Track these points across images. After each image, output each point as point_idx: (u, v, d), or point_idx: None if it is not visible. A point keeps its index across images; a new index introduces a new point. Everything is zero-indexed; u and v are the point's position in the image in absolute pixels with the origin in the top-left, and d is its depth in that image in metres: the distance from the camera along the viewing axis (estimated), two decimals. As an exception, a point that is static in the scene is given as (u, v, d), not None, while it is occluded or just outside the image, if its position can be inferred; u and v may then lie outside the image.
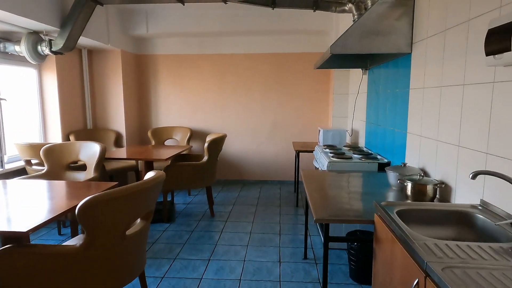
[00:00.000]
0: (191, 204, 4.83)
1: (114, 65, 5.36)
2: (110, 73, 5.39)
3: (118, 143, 5.47)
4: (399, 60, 3.00)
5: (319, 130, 4.64)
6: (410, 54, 2.72)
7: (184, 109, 5.97)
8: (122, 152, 4.19)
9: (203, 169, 4.08)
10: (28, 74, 4.45)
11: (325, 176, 2.83)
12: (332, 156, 3.38)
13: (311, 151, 4.49)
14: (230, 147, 5.98)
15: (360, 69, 4.25)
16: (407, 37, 2.69)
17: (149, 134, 5.60)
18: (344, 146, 4.16)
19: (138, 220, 2.18)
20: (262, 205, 4.79)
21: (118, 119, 5.47)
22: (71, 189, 2.50)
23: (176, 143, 5.78)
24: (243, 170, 6.02)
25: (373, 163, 3.20)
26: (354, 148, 3.97)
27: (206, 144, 4.03)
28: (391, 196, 2.22)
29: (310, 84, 5.72)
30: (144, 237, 2.12)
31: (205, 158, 4.09)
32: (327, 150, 3.85)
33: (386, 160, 3.22)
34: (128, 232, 1.96)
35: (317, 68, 4.05)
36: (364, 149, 3.95)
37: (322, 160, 3.56)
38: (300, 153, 4.70)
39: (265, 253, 3.28)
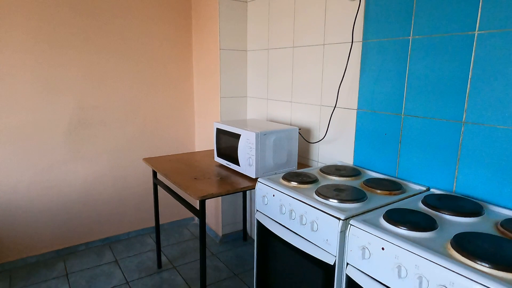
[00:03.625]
0: None
1: None
2: None
3: None
4: None
5: (240, 135, 1.92)
6: None
7: None
8: None
9: None
10: None
11: None
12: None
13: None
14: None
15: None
16: None
17: None
18: (321, 170, 1.73)
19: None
20: None
21: None
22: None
23: None
24: (5, 239, 2.39)
25: None
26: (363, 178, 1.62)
27: None
28: None
29: (159, 30, 2.72)
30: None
31: None
32: (349, 204, 1.32)
33: None
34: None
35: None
36: (388, 178, 1.69)
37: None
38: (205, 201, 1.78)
39: None
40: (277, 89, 2.38)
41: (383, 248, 1.08)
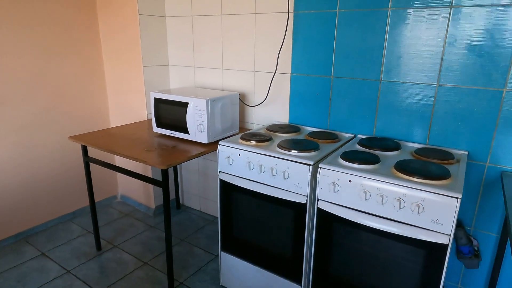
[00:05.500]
0: None
1: None
2: None
3: None
4: None
5: (188, 103, 1.93)
6: None
7: None
8: None
9: None
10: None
11: None
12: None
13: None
14: None
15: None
16: None
17: None
18: (267, 129, 1.94)
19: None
20: None
21: None
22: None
23: None
24: None
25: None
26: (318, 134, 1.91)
27: None
28: None
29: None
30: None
31: None
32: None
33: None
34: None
35: None
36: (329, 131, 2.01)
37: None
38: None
39: None
40: (205, 57, 2.43)
41: (350, 181, 1.39)
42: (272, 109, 2.21)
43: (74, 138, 2.03)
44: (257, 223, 1.74)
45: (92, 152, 2.60)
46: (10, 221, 2.37)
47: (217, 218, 2.74)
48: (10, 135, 2.27)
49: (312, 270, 1.60)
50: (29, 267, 2.13)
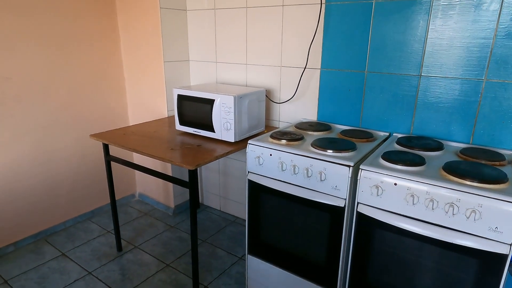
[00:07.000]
0: None
1: None
2: None
3: None
4: None
5: (214, 100, 1.84)
6: None
7: None
8: None
9: None
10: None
11: None
12: None
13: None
14: None
15: None
16: None
17: None
18: (296, 127, 1.84)
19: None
20: None
21: None
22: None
23: None
24: None
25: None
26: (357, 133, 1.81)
27: None
28: None
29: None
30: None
31: None
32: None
33: None
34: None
35: None
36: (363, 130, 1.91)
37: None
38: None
39: None
40: (228, 52, 2.33)
41: (395, 184, 1.29)
42: (299, 106, 2.11)
43: (96, 136, 1.97)
44: (288, 226, 1.65)
45: (111, 150, 2.54)
46: (29, 220, 2.32)
47: (238, 218, 2.66)
48: (27, 134, 2.22)
49: (349, 277, 1.50)
50: (50, 268, 2.08)
